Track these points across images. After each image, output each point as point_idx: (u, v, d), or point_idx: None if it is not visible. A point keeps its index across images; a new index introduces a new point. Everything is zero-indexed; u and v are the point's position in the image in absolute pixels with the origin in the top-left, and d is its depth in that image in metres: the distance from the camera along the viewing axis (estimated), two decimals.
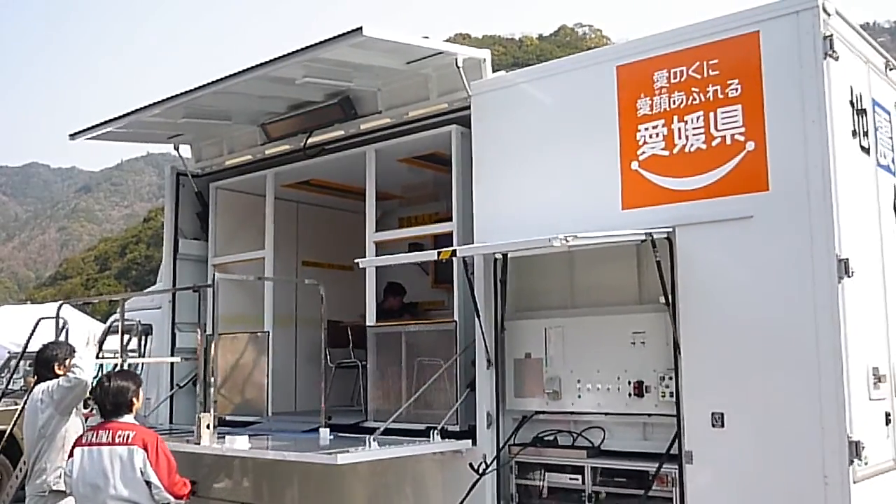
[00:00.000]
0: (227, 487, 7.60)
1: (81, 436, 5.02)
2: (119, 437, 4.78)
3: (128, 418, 4.93)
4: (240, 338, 7.76)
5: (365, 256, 6.81)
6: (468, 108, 6.17)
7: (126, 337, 7.83)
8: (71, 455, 4.94)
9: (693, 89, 5.08)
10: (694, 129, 5.06)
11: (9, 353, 12.79)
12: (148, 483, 4.73)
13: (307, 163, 7.57)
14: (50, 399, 5.56)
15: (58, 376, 5.72)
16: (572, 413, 5.61)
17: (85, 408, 6.21)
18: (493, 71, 6.29)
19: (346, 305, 7.85)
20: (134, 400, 4.98)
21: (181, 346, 8.23)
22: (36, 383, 5.87)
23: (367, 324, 6.82)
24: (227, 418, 7.33)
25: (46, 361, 5.84)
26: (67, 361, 5.78)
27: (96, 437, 4.84)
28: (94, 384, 5.65)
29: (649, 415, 5.28)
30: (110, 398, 4.91)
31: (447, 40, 7.22)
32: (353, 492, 6.64)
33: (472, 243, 5.95)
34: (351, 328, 7.99)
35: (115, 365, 7.43)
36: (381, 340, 6.73)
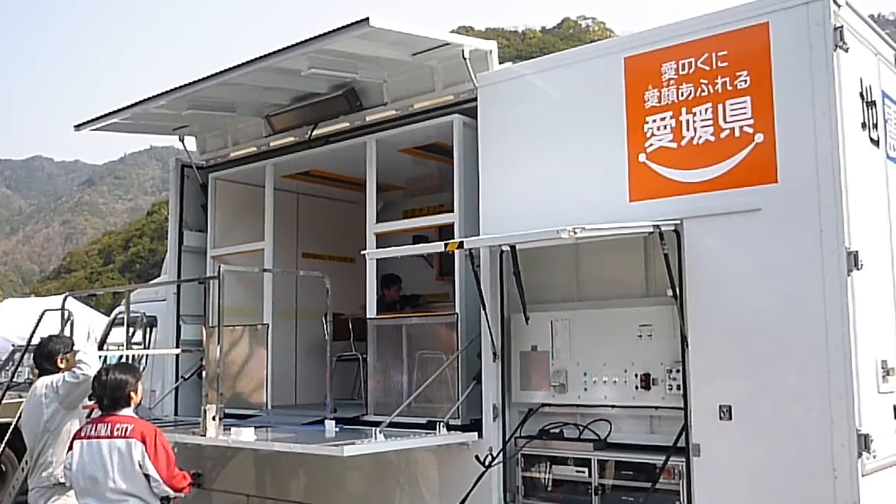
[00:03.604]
0: (231, 479, 7.60)
1: (81, 429, 5.00)
2: (117, 430, 4.75)
3: (126, 411, 4.89)
4: (239, 330, 7.74)
5: (366, 248, 6.80)
6: (474, 99, 6.15)
7: (131, 329, 7.82)
8: (70, 448, 4.92)
9: (701, 81, 5.05)
10: (702, 120, 5.03)
11: (13, 346, 12.81)
12: (147, 476, 4.71)
13: (307, 153, 7.54)
14: (55, 394, 5.55)
15: (59, 370, 5.72)
16: (579, 406, 5.59)
17: (90, 400, 6.21)
18: (499, 63, 6.26)
19: (346, 297, 7.82)
20: (132, 394, 4.93)
21: (186, 338, 8.23)
22: (37, 377, 5.86)
23: (368, 316, 6.81)
24: (227, 411, 7.32)
25: (49, 355, 5.82)
26: (69, 355, 5.77)
27: (95, 430, 4.81)
28: None
29: (656, 407, 5.26)
30: (108, 392, 4.88)
31: (451, 33, 7.18)
32: (356, 485, 6.64)
33: (477, 234, 5.94)
34: (352, 320, 7.96)
35: (120, 357, 7.44)
36: (381, 333, 6.71)
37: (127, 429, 4.76)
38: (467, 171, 6.23)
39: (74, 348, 5.84)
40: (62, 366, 5.75)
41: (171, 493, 4.81)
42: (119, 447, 4.71)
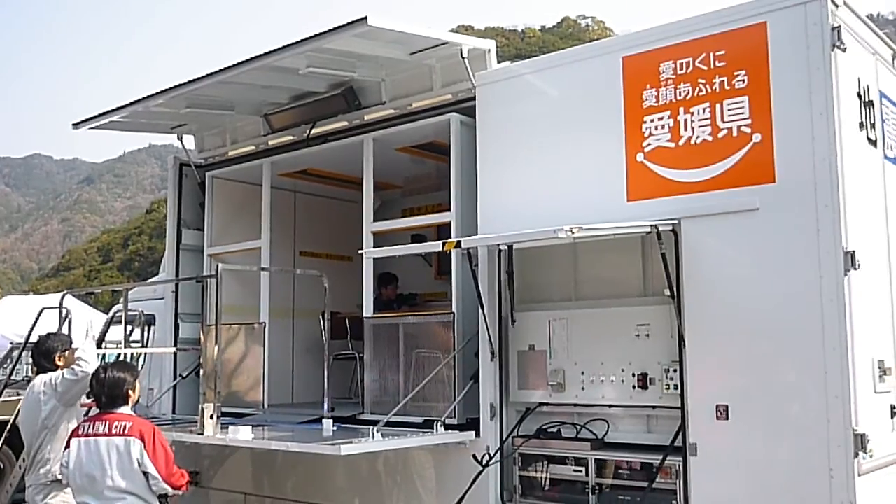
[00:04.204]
0: (228, 477, 7.60)
1: (78, 426, 4.98)
2: (116, 427, 4.75)
3: (124, 409, 4.89)
4: (237, 329, 7.73)
5: (363, 247, 6.80)
6: (472, 98, 6.14)
7: (129, 327, 7.81)
8: (67, 446, 4.91)
9: (699, 80, 5.05)
10: (700, 120, 5.03)
11: (11, 343, 12.81)
12: (145, 474, 4.71)
13: (304, 151, 7.53)
14: (53, 391, 5.56)
15: (57, 367, 5.72)
16: (576, 405, 5.59)
17: (88, 398, 6.22)
18: (498, 62, 6.26)
19: (343, 296, 7.82)
20: (130, 392, 4.94)
21: (184, 337, 8.22)
22: (36, 374, 5.86)
23: (364, 315, 6.81)
24: (224, 410, 7.32)
25: (47, 352, 5.83)
26: (67, 353, 5.77)
27: (93, 427, 4.80)
28: None
29: (653, 407, 5.27)
30: (106, 390, 4.87)
31: (450, 32, 7.18)
32: (353, 484, 6.64)
33: (475, 234, 5.94)
34: (349, 319, 7.97)
35: (118, 355, 7.44)
36: (378, 332, 6.70)
37: (125, 427, 4.75)
38: (465, 170, 6.24)
39: (73, 346, 5.85)
40: (60, 363, 5.76)
41: (170, 490, 4.81)
42: (118, 445, 4.71)
